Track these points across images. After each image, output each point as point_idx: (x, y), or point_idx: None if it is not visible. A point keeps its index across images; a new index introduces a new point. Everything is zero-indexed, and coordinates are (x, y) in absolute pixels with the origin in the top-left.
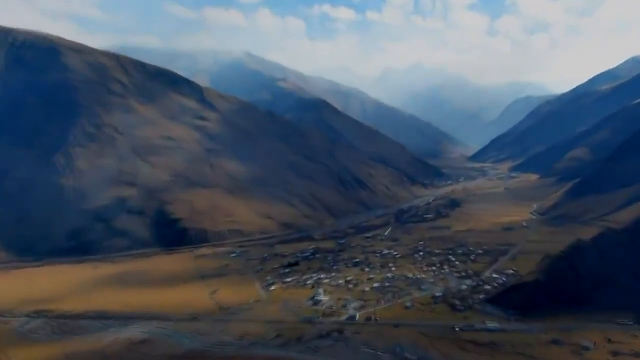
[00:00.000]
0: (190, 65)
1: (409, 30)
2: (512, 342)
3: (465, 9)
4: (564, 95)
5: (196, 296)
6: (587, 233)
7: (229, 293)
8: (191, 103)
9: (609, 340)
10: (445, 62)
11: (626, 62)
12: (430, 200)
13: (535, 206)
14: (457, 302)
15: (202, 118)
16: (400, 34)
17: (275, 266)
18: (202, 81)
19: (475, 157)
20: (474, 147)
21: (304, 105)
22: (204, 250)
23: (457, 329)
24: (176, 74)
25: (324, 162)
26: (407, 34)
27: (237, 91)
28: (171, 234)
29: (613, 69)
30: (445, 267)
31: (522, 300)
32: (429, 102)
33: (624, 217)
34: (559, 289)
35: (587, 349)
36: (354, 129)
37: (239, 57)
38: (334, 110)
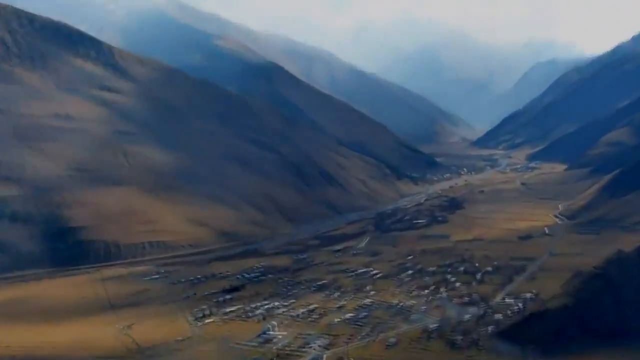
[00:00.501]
0: (96, 18)
1: None
2: None
3: None
4: (599, 58)
5: (103, 333)
6: (631, 243)
7: (148, 328)
8: (97, 69)
9: None
10: (444, 14)
11: None
12: (423, 200)
13: (561, 207)
14: (458, 338)
15: (111, 90)
16: None
17: (212, 291)
18: (111, 39)
19: (482, 142)
20: (480, 128)
21: (251, 72)
22: (115, 271)
23: None
24: (76, 29)
25: (278, 149)
26: None
27: (159, 53)
28: (69, 248)
29: None
30: (442, 290)
31: (544, 332)
32: (421, 69)
33: None
34: (593, 318)
35: None
36: (320, 105)
37: (163, 6)
38: (293, 78)
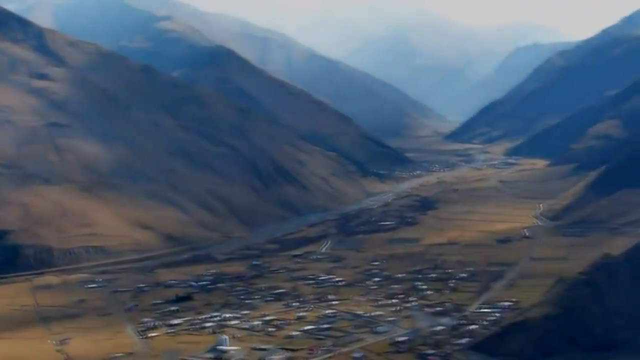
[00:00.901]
0: None
1: None
2: None
3: None
4: (585, 43)
5: (34, 349)
6: (619, 246)
7: (85, 343)
8: (25, 53)
9: None
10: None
11: None
12: (391, 200)
13: (543, 207)
14: (430, 351)
15: (42, 76)
16: None
17: (157, 301)
18: (42, 20)
19: (456, 136)
20: (455, 119)
21: (200, 57)
22: (48, 279)
23: None
24: (2, 8)
25: (230, 143)
26: None
27: (96, 35)
28: None
29: None
30: (411, 299)
31: (525, 345)
32: (390, 54)
33: None
34: (578, 329)
35: None
36: (276, 94)
37: None
38: (246, 64)
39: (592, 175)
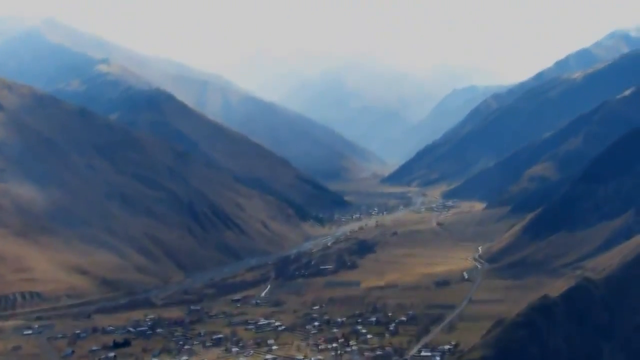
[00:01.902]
0: None
1: None
2: None
3: None
4: (521, 85)
5: None
6: (557, 287)
7: None
8: None
9: None
10: (349, 37)
11: (607, 37)
12: (330, 244)
13: (480, 250)
14: None
15: None
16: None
17: (94, 348)
18: None
19: (394, 178)
20: (392, 162)
21: (137, 101)
22: None
23: None
24: None
25: (168, 186)
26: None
27: (32, 78)
28: None
29: (587, 48)
30: (352, 342)
31: None
32: (326, 96)
33: (607, 262)
34: None
35: None
36: (214, 137)
37: (36, 26)
38: (184, 107)
39: (528, 217)
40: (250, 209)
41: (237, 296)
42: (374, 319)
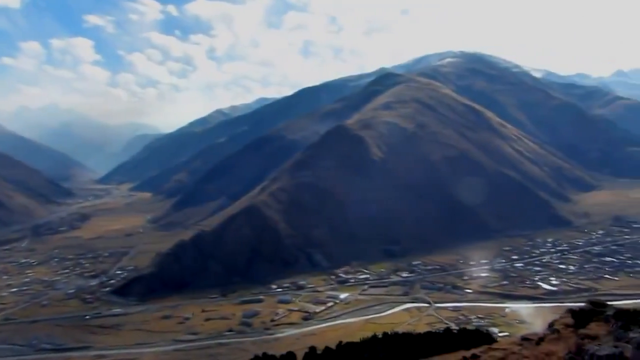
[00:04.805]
0: None
1: (42, 77)
2: (133, 322)
3: (90, 64)
4: (170, 134)
5: None
6: (187, 235)
7: None
8: None
9: (203, 310)
10: (76, 104)
11: (213, 112)
12: (65, 215)
13: (149, 217)
14: (88, 296)
15: None
16: (35, 79)
17: None
18: None
19: (101, 181)
20: (101, 172)
21: None
22: None
23: (87, 317)
24: None
25: None
26: (41, 79)
27: None
28: None
29: (204, 117)
30: (77, 269)
31: (140, 288)
32: (62, 136)
33: (212, 222)
34: (168, 278)
35: (188, 318)
36: None
37: None
38: None
39: (174, 200)
40: (16, 198)
41: (6, 247)
42: (90, 255)
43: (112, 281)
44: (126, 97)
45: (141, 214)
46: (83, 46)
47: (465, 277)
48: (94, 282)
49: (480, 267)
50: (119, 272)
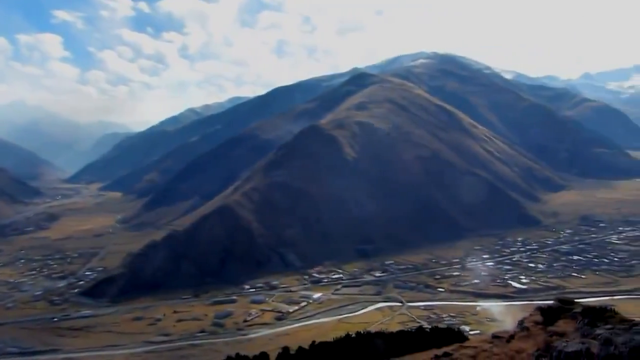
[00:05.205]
0: None
1: (9, 73)
2: (103, 323)
3: (59, 61)
4: (141, 133)
5: None
6: (159, 235)
7: None
8: None
9: (175, 311)
10: (44, 101)
11: (185, 111)
12: (31, 215)
13: (119, 217)
14: (56, 298)
15: None
16: (1, 75)
17: None
18: None
19: (70, 180)
20: (70, 171)
21: None
22: None
23: (55, 319)
24: None
25: None
26: (7, 76)
27: None
28: None
29: (176, 115)
30: (44, 270)
31: (110, 289)
32: (30, 134)
33: (184, 222)
34: (139, 279)
35: (159, 320)
36: None
37: None
38: None
39: (145, 199)
40: None
41: None
42: (58, 256)
43: (81, 282)
44: (96, 95)
45: (111, 214)
46: (51, 42)
47: (438, 276)
48: (62, 284)
49: (452, 266)
50: (88, 273)
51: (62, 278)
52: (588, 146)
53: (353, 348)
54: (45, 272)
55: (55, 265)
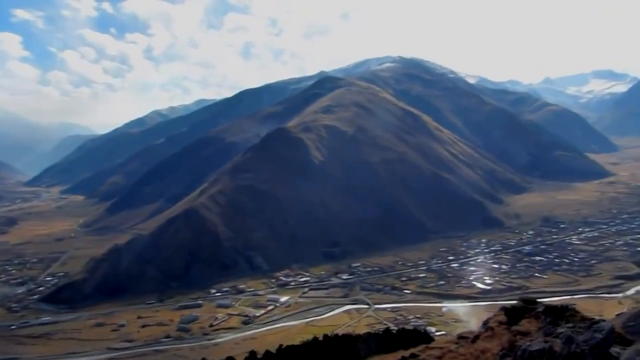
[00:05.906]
0: None
1: None
2: (64, 330)
3: (19, 60)
4: (105, 135)
5: None
6: (123, 239)
7: None
8: None
9: (139, 317)
10: (3, 102)
11: (150, 113)
12: None
13: (81, 221)
14: (14, 305)
15: None
16: None
17: None
18: None
19: (30, 183)
20: (30, 174)
21: None
22: None
23: (13, 327)
24: None
25: None
26: None
27: None
28: None
29: (141, 117)
30: (2, 276)
31: (71, 295)
32: None
33: (149, 225)
34: (102, 284)
35: (123, 325)
36: None
37: None
38: None
39: (108, 203)
40: None
41: None
42: (17, 261)
43: (40, 288)
44: (58, 96)
45: (73, 218)
46: (10, 42)
47: (404, 278)
48: (21, 290)
49: (418, 268)
50: (48, 278)
51: (21, 284)
52: (549, 149)
53: (320, 351)
54: (4, 278)
55: (14, 271)
